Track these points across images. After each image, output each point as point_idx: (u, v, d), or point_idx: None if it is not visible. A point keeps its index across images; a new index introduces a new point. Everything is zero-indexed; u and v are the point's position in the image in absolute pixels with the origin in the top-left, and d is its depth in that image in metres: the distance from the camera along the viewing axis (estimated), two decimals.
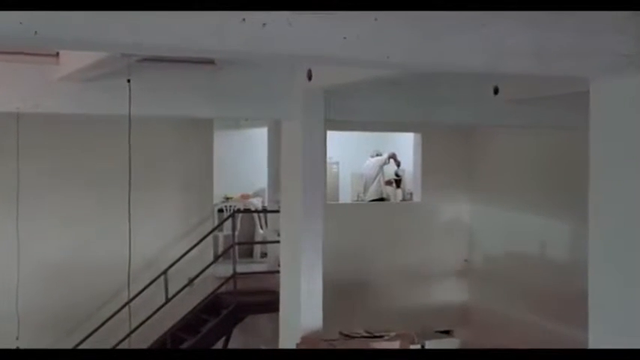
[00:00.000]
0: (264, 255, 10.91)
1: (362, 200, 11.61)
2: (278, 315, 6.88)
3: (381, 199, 11.50)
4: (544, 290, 9.23)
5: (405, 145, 11.54)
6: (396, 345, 6.23)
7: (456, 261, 10.47)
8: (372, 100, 6.65)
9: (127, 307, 7.46)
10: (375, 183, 11.55)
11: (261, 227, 10.99)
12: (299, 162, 6.36)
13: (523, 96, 6.73)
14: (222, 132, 11.31)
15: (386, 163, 11.55)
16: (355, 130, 11.05)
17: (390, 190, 11.83)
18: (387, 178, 11.72)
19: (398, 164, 11.66)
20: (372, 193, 11.54)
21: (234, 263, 9.10)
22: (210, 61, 5.93)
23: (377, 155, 11.77)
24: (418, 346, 6.96)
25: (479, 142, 10.46)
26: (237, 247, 9.38)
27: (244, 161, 12.37)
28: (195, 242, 9.11)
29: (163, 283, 8.81)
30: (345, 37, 2.82)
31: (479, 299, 10.36)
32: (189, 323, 8.90)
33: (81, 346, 8.30)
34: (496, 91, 6.71)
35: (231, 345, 9.05)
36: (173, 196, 9.43)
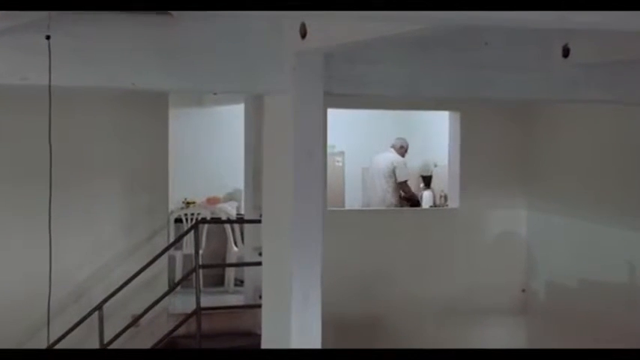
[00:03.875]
0: (239, 282, 10.89)
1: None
2: None
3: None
4: (634, 332, 9.21)
5: (438, 128, 11.53)
6: None
7: (510, 291, 10.47)
8: (390, 67, 6.63)
9: None
10: (380, 192, 11.53)
11: (236, 244, 10.99)
12: (288, 152, 6.34)
13: (605, 59, 6.71)
14: (180, 111, 11.29)
15: (398, 166, 11.49)
16: (367, 109, 11.05)
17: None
18: (405, 176, 11.68)
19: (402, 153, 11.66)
20: (375, 203, 11.54)
21: (198, 294, 9.10)
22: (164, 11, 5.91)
23: (399, 147, 11.74)
24: None
25: (541, 124, 10.46)
26: (201, 272, 9.37)
27: (212, 152, 12.35)
28: (142, 265, 9.10)
29: (97, 321, 8.79)
30: None
31: (542, 344, 10.34)
32: None
33: None
34: (566, 53, 6.69)
35: None
36: (112, 199, 9.44)
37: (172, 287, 9.48)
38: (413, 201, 11.76)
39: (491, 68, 6.90)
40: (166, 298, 9.29)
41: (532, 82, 7.15)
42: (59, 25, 5.40)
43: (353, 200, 12.72)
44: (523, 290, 10.55)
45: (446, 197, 11.29)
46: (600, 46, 6.53)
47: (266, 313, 6.75)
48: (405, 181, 11.65)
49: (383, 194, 11.56)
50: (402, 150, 11.77)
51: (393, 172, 11.53)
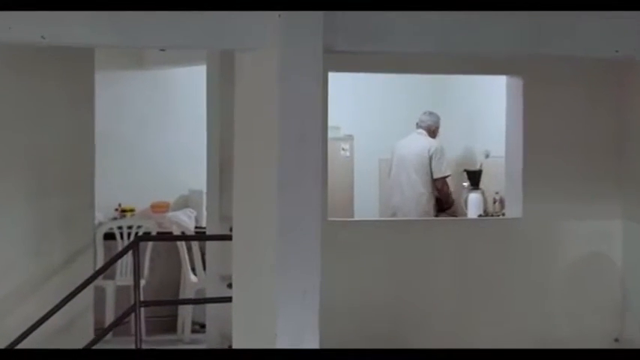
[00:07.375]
0: (199, 327, 10.91)
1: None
2: None
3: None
4: None
5: (491, 102, 11.55)
6: None
7: (597, 340, 10.47)
8: (420, 13, 6.65)
9: None
10: (409, 193, 11.58)
11: (194, 271, 11.00)
12: (271, 136, 6.36)
13: None
14: (112, 75, 11.29)
15: (435, 155, 11.54)
16: (386, 72, 11.05)
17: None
18: (445, 170, 11.74)
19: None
20: (402, 210, 11.58)
21: (139, 344, 9.12)
22: None
23: (435, 128, 11.79)
24: None
25: None
26: (143, 312, 9.38)
27: (159, 135, 12.36)
28: (56, 301, 9.11)
29: None
30: None
31: None
32: None
33: None
34: None
35: None
36: (12, 206, 9.49)
37: (101, 334, 9.48)
38: (449, 207, 11.77)
39: (568, 14, 6.92)
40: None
41: (627, 34, 7.17)
42: None
43: (366, 206, 12.74)
44: (616, 340, 10.55)
45: (502, 202, 11.30)
46: None
47: None
48: (445, 178, 11.64)
49: (415, 196, 11.56)
50: (436, 131, 11.80)
51: (430, 164, 11.55)
